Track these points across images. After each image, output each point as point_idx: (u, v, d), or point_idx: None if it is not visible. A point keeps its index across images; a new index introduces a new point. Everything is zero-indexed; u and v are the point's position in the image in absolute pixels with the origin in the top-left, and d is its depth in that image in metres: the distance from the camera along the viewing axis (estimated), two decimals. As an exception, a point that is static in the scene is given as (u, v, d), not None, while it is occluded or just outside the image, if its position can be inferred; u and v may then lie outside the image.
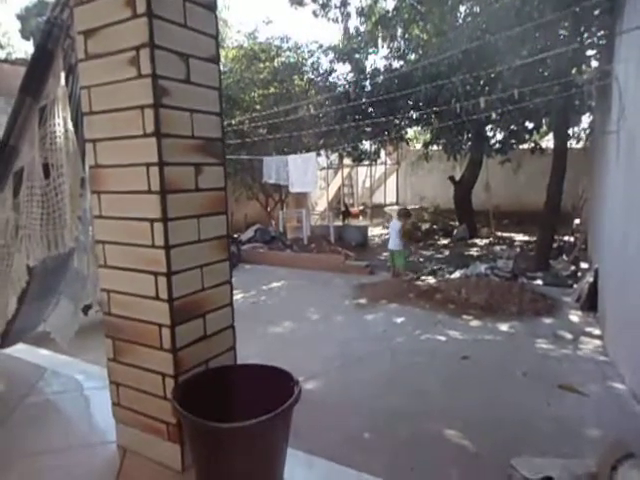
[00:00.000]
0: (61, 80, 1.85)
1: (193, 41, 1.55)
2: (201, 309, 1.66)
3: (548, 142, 12.53)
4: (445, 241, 12.08)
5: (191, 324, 1.62)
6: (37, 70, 1.85)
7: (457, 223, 12.86)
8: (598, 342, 4.88)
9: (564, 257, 8.75)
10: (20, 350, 3.03)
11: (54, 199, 1.94)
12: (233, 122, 10.70)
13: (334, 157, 14.54)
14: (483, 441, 3.12)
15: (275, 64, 12.00)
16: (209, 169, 1.64)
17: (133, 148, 1.50)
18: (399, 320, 5.91)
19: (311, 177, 10.46)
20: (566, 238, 10.33)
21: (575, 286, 6.89)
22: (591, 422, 3.34)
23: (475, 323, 5.69)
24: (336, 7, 10.26)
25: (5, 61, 11.91)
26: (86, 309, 3.26)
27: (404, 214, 8.39)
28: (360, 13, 10.55)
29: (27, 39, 18.64)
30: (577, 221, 10.96)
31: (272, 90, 11.69)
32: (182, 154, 1.53)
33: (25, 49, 19.25)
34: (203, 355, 1.67)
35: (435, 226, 13.72)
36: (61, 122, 1.88)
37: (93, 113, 1.58)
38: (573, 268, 7.88)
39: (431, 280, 7.77)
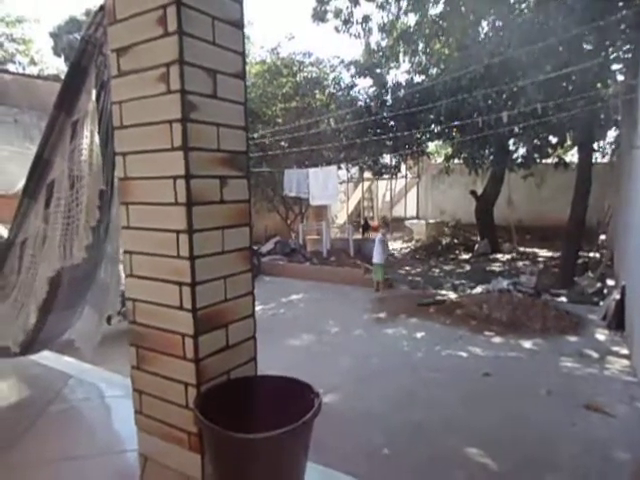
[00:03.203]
0: (92, 96, 1.92)
1: (220, 57, 1.59)
2: (224, 319, 1.67)
3: (572, 156, 12.35)
4: (466, 256, 11.94)
5: (214, 334, 1.63)
6: (71, 86, 1.92)
7: (478, 238, 12.71)
8: (625, 362, 4.73)
9: (589, 274, 8.54)
10: (46, 357, 3.10)
11: (75, 210, 2.00)
12: (255, 135, 10.86)
13: (354, 170, 14.59)
14: (505, 460, 3.05)
15: (297, 79, 12.18)
16: (234, 182, 1.67)
17: (161, 161, 1.54)
18: (419, 335, 5.84)
19: (332, 190, 10.52)
20: (591, 254, 10.11)
21: (601, 304, 6.72)
22: (619, 444, 3.23)
23: (497, 340, 5.59)
24: (358, 23, 10.37)
25: (38, 77, 12.36)
26: (109, 318, 3.32)
27: (384, 223, 8.76)
28: (382, 29, 10.64)
29: (59, 56, 19.30)
30: (603, 237, 10.71)
31: (294, 104, 11.84)
32: (208, 167, 1.57)
33: (57, 65, 19.97)
34: (225, 365, 1.68)
35: (456, 240, 13.59)
36: (89, 135, 1.95)
37: (124, 127, 1.63)
38: (599, 285, 7.69)
39: (452, 295, 7.68)
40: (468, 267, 10.56)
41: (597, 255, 9.95)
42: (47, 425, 2.29)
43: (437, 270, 10.34)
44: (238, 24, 1.64)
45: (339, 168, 11.77)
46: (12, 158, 6.86)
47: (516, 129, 8.16)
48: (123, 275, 2.53)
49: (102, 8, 1.78)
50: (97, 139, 1.86)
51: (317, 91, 12.28)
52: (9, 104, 8.37)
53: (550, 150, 10.12)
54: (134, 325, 1.73)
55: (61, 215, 1.92)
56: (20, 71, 17.94)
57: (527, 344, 5.38)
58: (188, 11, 1.46)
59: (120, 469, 1.92)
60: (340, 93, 12.20)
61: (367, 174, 15.09)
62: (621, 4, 6.37)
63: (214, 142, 1.58)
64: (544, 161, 10.69)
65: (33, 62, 20.78)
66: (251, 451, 1.34)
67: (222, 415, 1.42)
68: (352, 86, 12.10)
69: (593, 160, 8.54)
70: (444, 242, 13.51)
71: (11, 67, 18.86)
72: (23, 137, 7.81)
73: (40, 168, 2.06)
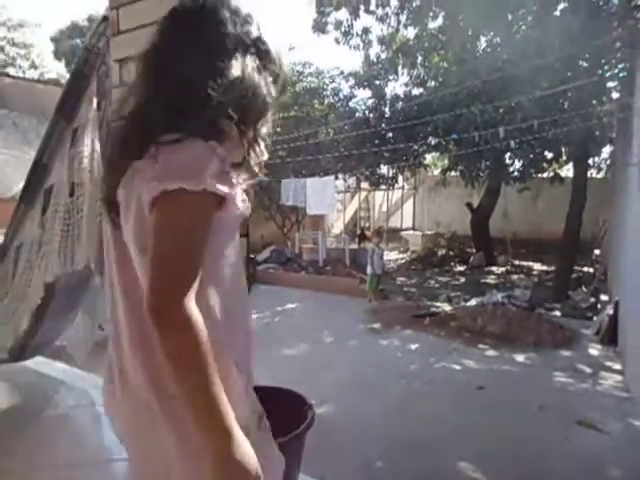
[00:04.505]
0: (94, 104, 1.94)
1: (222, 70, 1.61)
2: (218, 329, 1.67)
3: (568, 171, 12.47)
4: (461, 268, 11.97)
5: (208, 344, 1.63)
6: (72, 94, 1.94)
7: (474, 250, 12.75)
8: (618, 377, 4.75)
9: (583, 288, 8.59)
10: (39, 362, 3.08)
11: (75, 217, 2.00)
12: (254, 144, 10.89)
13: (352, 181, 14.65)
14: (498, 475, 3.04)
15: (296, 89, 12.26)
16: (232, 192, 1.68)
17: (160, 171, 1.55)
18: (413, 347, 5.84)
19: (329, 200, 10.56)
20: (586, 269, 10.16)
21: (595, 318, 6.75)
22: (612, 461, 3.24)
23: (491, 353, 5.59)
24: (358, 35, 10.47)
25: (38, 81, 12.40)
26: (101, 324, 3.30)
27: (377, 233, 8.97)
28: (381, 41, 10.76)
29: (59, 60, 19.39)
30: (597, 251, 10.79)
31: (292, 113, 11.91)
32: (207, 178, 1.58)
33: (57, 70, 20.04)
34: (218, 375, 1.68)
35: (451, 252, 13.63)
36: (89, 143, 1.96)
37: (124, 136, 1.65)
38: (593, 300, 7.73)
39: (446, 307, 7.69)
40: (463, 279, 10.59)
41: (591, 270, 10.01)
42: (39, 432, 2.28)
43: (432, 281, 10.36)
44: (240, 37, 1.67)
45: (336, 178, 11.83)
46: (9, 162, 6.87)
47: (512, 144, 8.24)
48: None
49: (106, 18, 1.81)
50: (98, 147, 1.87)
51: (316, 101, 12.37)
52: (9, 108, 8.40)
53: (546, 165, 10.22)
54: (128, 333, 1.73)
55: (60, 222, 1.93)
56: (20, 75, 17.98)
57: (520, 358, 5.39)
58: (191, 24, 1.48)
59: (110, 477, 1.91)
60: (339, 104, 12.29)
61: (364, 184, 15.16)
62: (616, 24, 6.48)
63: (213, 153, 1.60)
64: (540, 175, 10.78)
65: (34, 66, 20.84)
66: (243, 463, 1.33)
67: (214, 426, 1.42)
68: (351, 97, 12.20)
69: (588, 175, 8.63)
70: (440, 254, 13.55)
71: (12, 71, 18.90)
72: (22, 141, 7.82)
73: (38, 173, 2.07)
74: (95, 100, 1.92)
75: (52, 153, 1.99)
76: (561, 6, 7.17)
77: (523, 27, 8.13)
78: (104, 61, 1.88)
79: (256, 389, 1.75)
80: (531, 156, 9.69)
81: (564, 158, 10.37)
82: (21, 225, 2.17)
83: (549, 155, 9.81)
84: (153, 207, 0.80)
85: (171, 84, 0.86)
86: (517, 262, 12.21)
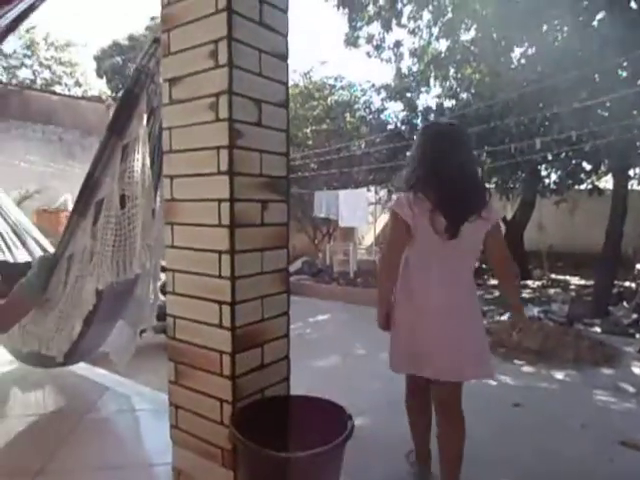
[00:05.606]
0: (143, 121, 2.04)
1: (266, 88, 1.68)
2: (260, 339, 1.72)
3: (607, 183, 12.09)
4: (495, 281, 11.71)
5: (250, 353, 1.68)
6: (124, 111, 2.05)
7: (508, 263, 12.45)
8: (664, 398, 4.54)
9: (625, 304, 8.26)
10: (82, 368, 3.21)
11: (127, 227, 2.11)
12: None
13: (383, 193, 14.62)
14: (537, 496, 2.95)
15: (328, 102, 12.40)
16: (274, 205, 1.74)
17: (207, 184, 1.62)
18: (446, 361, 5.74)
19: (362, 213, 10.57)
20: (627, 284, 9.77)
21: (637, 336, 6.48)
22: (658, 485, 3.09)
23: (527, 369, 5.44)
24: (389, 48, 10.55)
25: (82, 98, 12.97)
26: (141, 332, 3.41)
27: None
28: (413, 54, 10.79)
29: (101, 77, 20.24)
30: (639, 266, 10.38)
31: (325, 127, 12.04)
32: (251, 191, 1.64)
33: (99, 87, 20.92)
34: (259, 384, 1.72)
35: (484, 265, 13.35)
36: (140, 158, 2.07)
37: (173, 152, 1.73)
38: (635, 316, 7.42)
39: (480, 321, 7.53)
40: (497, 293, 10.35)
41: (633, 285, 9.63)
42: (83, 434, 2.37)
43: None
44: (283, 56, 1.73)
45: (368, 190, 11.84)
46: (55, 175, 7.22)
47: (549, 155, 8.08)
48: (158, 291, 2.63)
49: (156, 40, 1.91)
50: (148, 162, 1.97)
51: (348, 114, 12.46)
52: (55, 123, 8.83)
53: (584, 176, 9.95)
54: (173, 341, 1.80)
55: (111, 232, 2.03)
56: (66, 92, 18.86)
57: (559, 375, 5.22)
58: (238, 45, 1.55)
59: (152, 482, 1.96)
60: (370, 116, 12.35)
61: (395, 196, 15.07)
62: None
63: (257, 167, 1.66)
64: (577, 187, 10.51)
65: (78, 84, 21.82)
66: (286, 470, 1.36)
67: (255, 433, 1.45)
68: (382, 110, 12.24)
69: (629, 187, 8.35)
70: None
71: (58, 89, 19.85)
72: (67, 155, 8.19)
73: (90, 187, 2.18)
74: (145, 117, 2.02)
75: (104, 168, 2.10)
76: (599, 16, 7.03)
77: (559, 38, 8.01)
78: (153, 80, 1.99)
79: (297, 398, 1.78)
80: (569, 168, 9.46)
81: (603, 169, 10.08)
82: (72, 236, 2.29)
83: (587, 167, 9.55)
84: (491, 228, 2.03)
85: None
86: (553, 276, 11.86)
